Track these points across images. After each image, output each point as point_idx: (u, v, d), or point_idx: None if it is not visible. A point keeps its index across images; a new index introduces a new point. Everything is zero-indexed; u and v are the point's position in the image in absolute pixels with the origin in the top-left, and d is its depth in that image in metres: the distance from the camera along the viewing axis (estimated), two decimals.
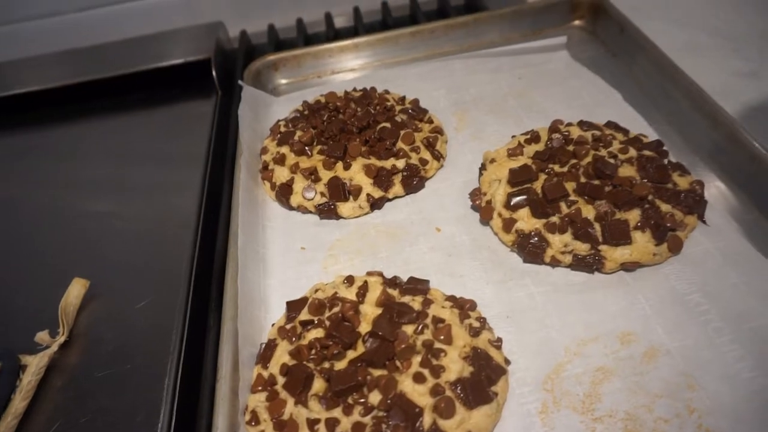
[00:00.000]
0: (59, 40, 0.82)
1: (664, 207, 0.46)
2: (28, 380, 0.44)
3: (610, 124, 0.55)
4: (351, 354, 0.40)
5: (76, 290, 0.49)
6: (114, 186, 0.63)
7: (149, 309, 0.49)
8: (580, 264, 0.46)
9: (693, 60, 0.62)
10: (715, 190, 0.51)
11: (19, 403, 0.43)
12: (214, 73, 0.73)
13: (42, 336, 0.46)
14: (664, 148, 0.52)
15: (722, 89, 0.59)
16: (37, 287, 0.53)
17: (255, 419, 0.38)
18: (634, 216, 0.46)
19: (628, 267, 0.45)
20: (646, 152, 0.50)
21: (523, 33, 0.74)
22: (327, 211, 0.53)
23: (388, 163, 0.54)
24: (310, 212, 0.54)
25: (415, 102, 0.62)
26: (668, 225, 0.45)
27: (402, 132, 0.56)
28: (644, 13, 0.70)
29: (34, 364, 0.45)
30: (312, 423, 0.37)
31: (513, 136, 0.56)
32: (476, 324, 0.41)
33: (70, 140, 0.72)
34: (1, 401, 0.42)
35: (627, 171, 0.48)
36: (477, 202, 0.51)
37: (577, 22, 0.75)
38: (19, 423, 0.42)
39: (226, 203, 0.57)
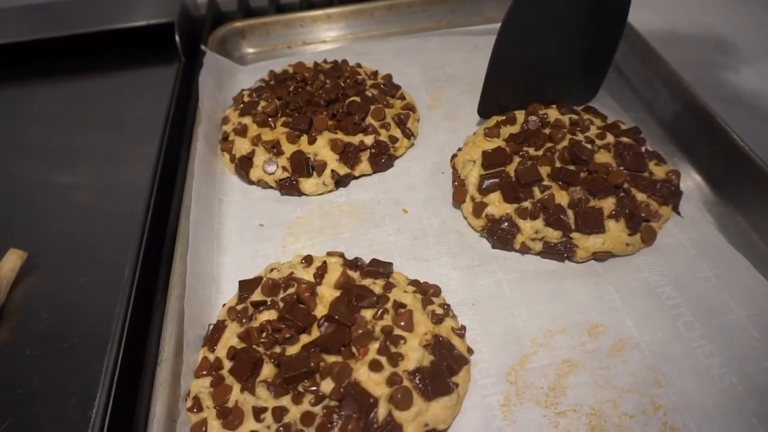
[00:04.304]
0: None
1: (640, 196, 0.44)
2: None
3: (589, 109, 0.53)
4: (304, 338, 0.37)
5: (11, 262, 0.46)
6: (63, 153, 0.58)
7: (91, 285, 0.45)
8: (551, 252, 0.44)
9: (673, 51, 0.60)
10: (691, 181, 0.50)
11: None
12: (177, 38, 0.69)
13: None
14: (642, 135, 0.50)
15: (701, 81, 0.58)
16: None
17: (197, 406, 0.35)
18: (608, 204, 0.44)
19: (600, 257, 0.43)
20: (624, 139, 0.48)
21: (504, 12, 0.71)
22: (288, 187, 0.50)
23: (355, 139, 0.51)
24: (271, 187, 0.51)
25: (388, 77, 0.59)
26: (642, 215, 0.44)
27: (372, 107, 0.53)
28: None
29: None
30: (258, 411, 0.34)
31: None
32: (439, 311, 0.39)
33: (20, 102, 0.67)
34: None
35: (603, 157, 0.46)
36: (455, 183, 0.48)
37: None
38: None
39: (182, 175, 0.54)
